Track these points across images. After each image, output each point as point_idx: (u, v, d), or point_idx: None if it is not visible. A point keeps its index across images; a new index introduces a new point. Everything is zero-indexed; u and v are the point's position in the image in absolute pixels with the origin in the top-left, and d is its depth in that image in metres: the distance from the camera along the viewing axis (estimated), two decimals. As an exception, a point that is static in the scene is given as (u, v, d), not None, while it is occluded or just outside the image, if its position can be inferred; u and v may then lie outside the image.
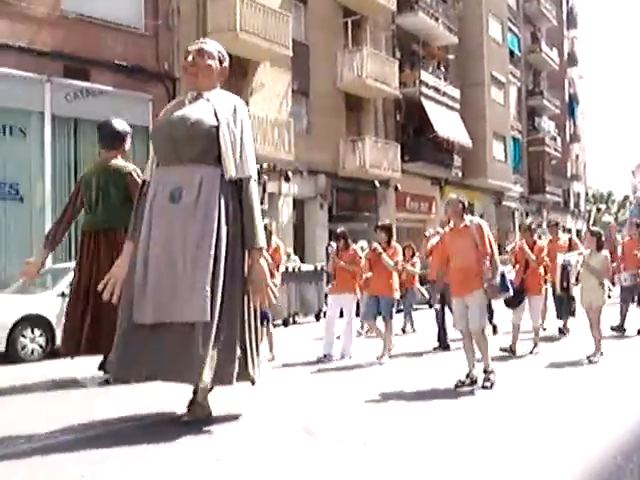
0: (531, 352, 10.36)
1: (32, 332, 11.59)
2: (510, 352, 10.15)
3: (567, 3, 56.56)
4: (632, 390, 7.48)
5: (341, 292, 10.48)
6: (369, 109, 28.60)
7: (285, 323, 16.79)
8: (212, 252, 5.37)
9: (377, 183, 27.88)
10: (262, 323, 9.73)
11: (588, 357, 9.32)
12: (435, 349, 11.16)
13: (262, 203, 22.37)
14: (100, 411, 6.55)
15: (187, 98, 5.91)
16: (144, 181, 5.96)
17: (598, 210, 48.27)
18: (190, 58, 5.87)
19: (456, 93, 33.50)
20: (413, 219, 31.18)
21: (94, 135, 18.36)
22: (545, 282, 11.16)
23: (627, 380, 8.16)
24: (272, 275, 9.55)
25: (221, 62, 6.16)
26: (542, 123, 47.15)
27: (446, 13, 33.14)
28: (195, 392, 5.67)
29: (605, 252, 9.76)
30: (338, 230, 11.10)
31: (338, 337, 10.45)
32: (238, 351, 5.50)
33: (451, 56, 34.66)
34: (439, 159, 32.01)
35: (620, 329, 12.49)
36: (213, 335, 5.30)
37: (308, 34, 25.49)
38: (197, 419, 5.57)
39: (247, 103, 21.66)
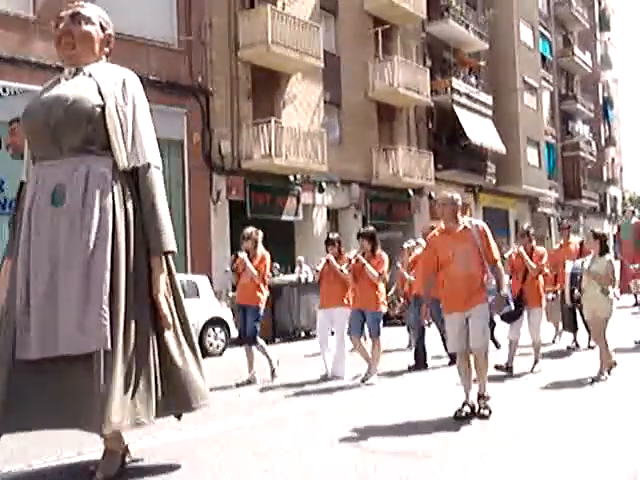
0: (532, 370, 9.35)
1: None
2: (506, 371, 9.16)
3: (599, 5, 55.96)
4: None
5: (331, 306, 9.57)
6: (401, 118, 28.55)
7: (293, 335, 16.55)
8: (108, 264, 4.31)
9: (411, 192, 27.81)
10: (248, 341, 9.52)
11: (593, 378, 8.37)
12: (410, 368, 10.16)
13: (296, 214, 22.48)
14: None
15: (63, 75, 4.78)
16: (22, 183, 4.87)
17: (623, 212, 46.98)
18: (62, 25, 4.74)
19: (488, 99, 33.31)
20: (448, 227, 30.98)
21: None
22: (545, 292, 10.05)
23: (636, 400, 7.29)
24: (257, 288, 9.41)
25: (103, 29, 5.05)
26: (576, 127, 46.69)
27: (476, 19, 33.03)
28: (106, 439, 4.47)
29: (609, 256, 8.88)
30: (331, 236, 10.31)
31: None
32: (154, 381, 4.43)
33: (482, 62, 34.46)
34: (473, 166, 31.83)
35: None
36: (119, 366, 4.24)
37: (339, 45, 25.56)
38: (107, 477, 4.38)
39: (280, 115, 21.79)
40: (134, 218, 4.53)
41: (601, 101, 53.47)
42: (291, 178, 22.36)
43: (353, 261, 9.25)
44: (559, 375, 8.98)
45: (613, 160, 57.67)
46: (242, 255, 9.40)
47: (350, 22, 26.13)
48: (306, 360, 12.18)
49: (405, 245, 11.80)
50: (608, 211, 54.34)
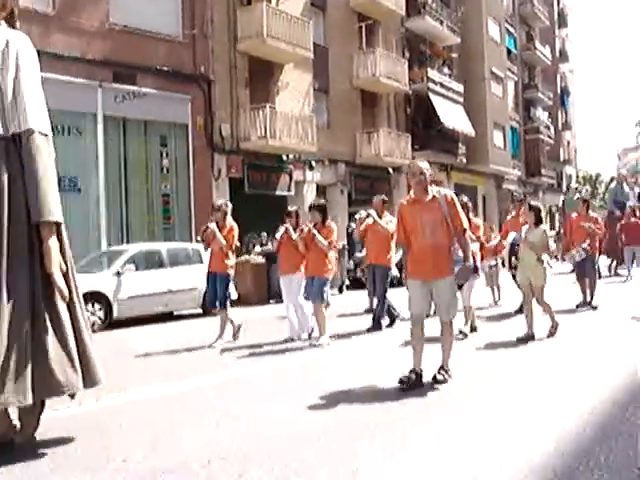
0: (460, 331, 8.60)
1: (93, 306, 11.74)
2: (472, 330, 8.94)
3: (558, 4, 55.71)
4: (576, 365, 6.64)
5: (290, 273, 9.12)
6: (382, 104, 28.42)
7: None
8: None
9: (390, 170, 27.79)
10: (221, 305, 9.11)
11: (547, 334, 8.34)
12: (369, 330, 9.79)
13: (289, 190, 22.43)
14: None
15: None
16: None
17: (568, 189, 46.48)
18: None
19: (460, 88, 33.18)
20: (423, 201, 31.02)
21: (140, 132, 18.62)
22: (481, 259, 9.59)
23: (574, 354, 7.30)
24: (226, 256, 9.01)
25: None
26: (537, 113, 46.74)
27: (450, 16, 32.82)
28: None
29: (544, 226, 8.64)
30: (290, 208, 9.71)
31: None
32: (50, 354, 3.88)
33: (455, 55, 34.32)
34: (445, 147, 31.81)
35: (585, 305, 11.31)
36: (4, 343, 3.72)
37: (327, 38, 25.32)
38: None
39: (274, 101, 21.65)
40: (16, 186, 3.90)
41: (559, 90, 53.41)
42: (284, 157, 22.28)
43: (306, 230, 8.80)
44: (498, 335, 8.72)
45: (569, 143, 57.78)
46: (212, 226, 9.04)
47: (337, 17, 25.88)
48: (276, 322, 11.55)
49: (357, 216, 10.95)
50: (564, 188, 54.47)
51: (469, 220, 8.80)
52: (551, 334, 8.42)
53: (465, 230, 6.04)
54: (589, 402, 5.18)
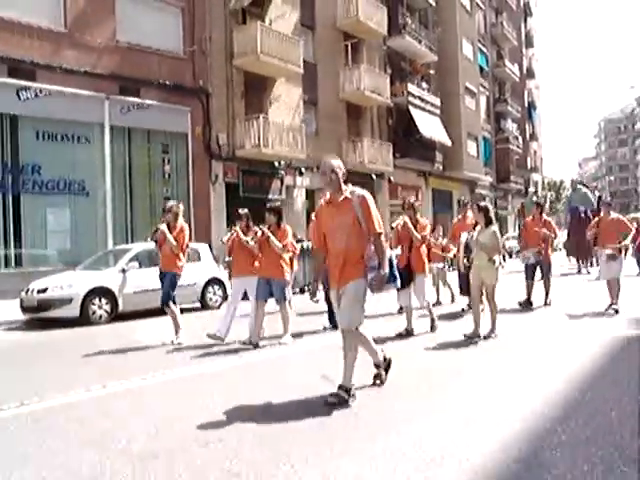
0: (432, 329, 8.44)
1: (100, 301, 11.66)
2: (408, 335, 8.17)
3: (525, 27, 55.99)
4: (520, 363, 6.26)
5: (243, 275, 8.43)
6: (366, 115, 28.41)
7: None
8: None
9: (374, 176, 27.75)
10: (166, 302, 8.43)
11: (484, 335, 7.80)
12: (325, 329, 9.03)
13: (281, 194, 22.37)
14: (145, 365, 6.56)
15: None
16: None
17: (526, 193, 46.42)
18: None
19: (437, 101, 33.23)
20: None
21: (144, 141, 18.53)
22: (429, 261, 8.98)
23: (520, 353, 6.89)
24: (176, 257, 8.38)
25: None
26: (507, 125, 46.93)
27: (428, 36, 32.88)
28: None
29: (494, 227, 8.01)
30: (241, 211, 8.88)
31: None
32: None
33: (432, 71, 34.37)
34: (424, 155, 31.83)
35: (527, 304, 11.08)
36: None
37: (316, 55, 25.27)
38: None
39: (267, 112, 21.61)
40: None
41: (526, 104, 53.67)
42: (276, 164, 22.23)
43: (259, 233, 8.16)
44: (453, 334, 8.14)
45: (535, 152, 58.10)
46: (162, 227, 8.48)
47: (325, 36, 25.84)
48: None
49: (313, 216, 10.11)
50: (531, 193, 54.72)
51: (416, 221, 8.42)
52: (489, 335, 7.88)
53: (379, 234, 5.01)
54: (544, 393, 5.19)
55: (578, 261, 20.47)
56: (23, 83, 15.31)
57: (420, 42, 31.61)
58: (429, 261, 11.22)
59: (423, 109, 31.50)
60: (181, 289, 13.20)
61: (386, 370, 5.51)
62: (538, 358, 6.64)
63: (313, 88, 24.79)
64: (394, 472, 3.53)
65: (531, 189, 53.01)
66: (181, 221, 8.60)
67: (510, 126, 47.46)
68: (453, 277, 12.40)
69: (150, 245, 14.07)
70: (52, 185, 16.05)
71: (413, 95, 30.64)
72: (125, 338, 9.28)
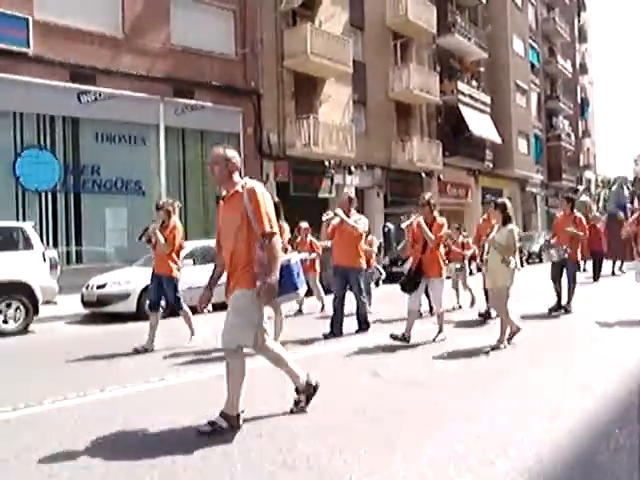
0: (434, 339, 7.58)
1: (155, 296, 11.83)
2: (402, 340, 7.43)
3: (578, 21, 54.46)
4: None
5: None
6: (415, 114, 28.18)
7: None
8: None
9: (423, 174, 27.53)
10: (177, 307, 7.99)
11: (492, 346, 6.93)
12: (326, 336, 8.26)
13: (330, 192, 22.40)
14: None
15: None
16: None
17: (576, 191, 44.80)
18: None
19: (487, 99, 32.73)
20: (453, 203, 30.68)
21: (197, 141, 18.82)
22: (446, 263, 8.14)
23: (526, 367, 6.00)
24: (169, 257, 7.80)
25: None
26: (558, 122, 45.79)
27: (477, 33, 32.37)
28: None
29: (511, 226, 7.22)
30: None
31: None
32: None
33: (482, 69, 33.85)
34: (473, 153, 31.41)
35: (557, 309, 9.91)
36: None
37: (365, 54, 25.20)
38: None
39: (317, 112, 21.67)
40: None
41: (579, 100, 52.28)
42: (326, 163, 22.26)
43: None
44: (462, 343, 7.35)
45: (588, 149, 56.50)
46: (152, 225, 7.91)
47: (374, 36, 25.74)
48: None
49: (324, 218, 8.73)
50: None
51: (432, 220, 7.59)
52: (496, 347, 6.95)
53: (270, 234, 4.17)
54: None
55: (614, 262, 19.36)
56: (84, 87, 15.75)
57: (470, 40, 31.16)
58: (448, 261, 10.32)
59: (473, 107, 31.06)
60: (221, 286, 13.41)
61: (309, 397, 4.66)
62: (582, 360, 6.48)
63: (362, 87, 24.72)
64: (446, 470, 3.50)
65: (581, 187, 51.68)
66: (174, 219, 7.94)
67: (562, 123, 46.31)
68: (477, 281, 11.33)
69: (204, 243, 14.31)
70: (110, 185, 16.47)
71: (463, 93, 30.25)
72: (176, 333, 9.43)
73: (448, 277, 11.17)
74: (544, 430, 4.09)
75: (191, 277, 12.41)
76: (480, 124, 31.15)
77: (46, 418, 4.76)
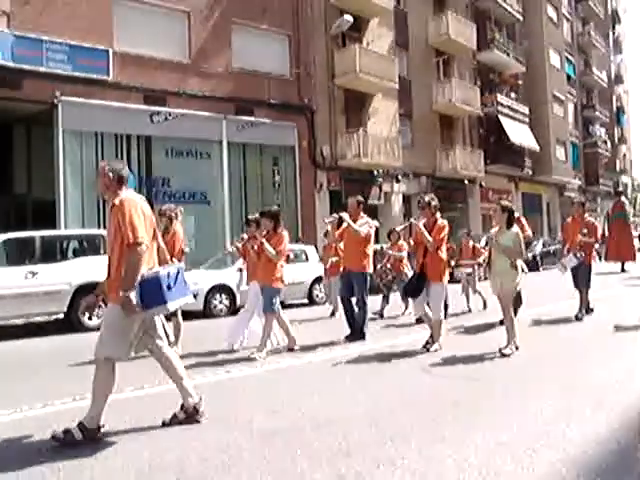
0: (427, 349, 6.74)
1: (220, 296, 12.06)
2: (433, 346, 6.74)
3: (613, 34, 52.73)
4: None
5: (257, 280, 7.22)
6: (458, 125, 27.80)
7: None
8: None
9: (466, 181, 27.12)
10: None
11: (500, 350, 6.33)
12: (348, 338, 7.70)
13: (379, 199, 22.30)
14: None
15: None
16: None
17: (618, 193, 42.55)
18: None
19: (525, 110, 32.02)
20: (494, 208, 30.12)
21: (257, 154, 19.02)
22: (449, 267, 7.50)
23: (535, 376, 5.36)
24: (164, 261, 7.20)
25: None
26: (595, 130, 44.38)
27: (515, 48, 31.74)
28: None
29: (516, 229, 6.65)
30: (250, 216, 7.85)
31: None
32: None
33: (520, 81, 33.14)
34: (513, 161, 30.73)
35: (587, 312, 9.05)
36: None
37: (410, 71, 25.00)
38: None
39: (366, 125, 21.63)
40: None
41: (615, 109, 50.57)
42: (375, 172, 22.16)
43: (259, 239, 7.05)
44: (462, 350, 6.68)
45: (624, 155, 54.62)
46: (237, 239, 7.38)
47: (418, 54, 25.52)
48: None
49: (326, 220, 8.19)
50: (621, 194, 51.41)
51: (433, 223, 6.83)
52: (504, 353, 6.28)
53: (132, 244, 3.80)
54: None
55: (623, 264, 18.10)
56: (155, 108, 16.15)
57: (508, 55, 30.57)
58: (457, 267, 9.91)
59: (512, 117, 30.44)
60: (290, 287, 13.51)
61: (188, 417, 4.16)
62: (624, 357, 6.23)
63: (408, 102, 24.54)
64: (491, 459, 3.40)
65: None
66: (176, 226, 7.31)
67: (598, 130, 44.83)
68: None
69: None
70: (179, 195, 16.80)
71: (502, 105, 29.70)
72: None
73: (458, 281, 10.90)
74: (586, 423, 3.95)
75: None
76: (519, 133, 30.51)
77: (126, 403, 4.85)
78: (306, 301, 13.73)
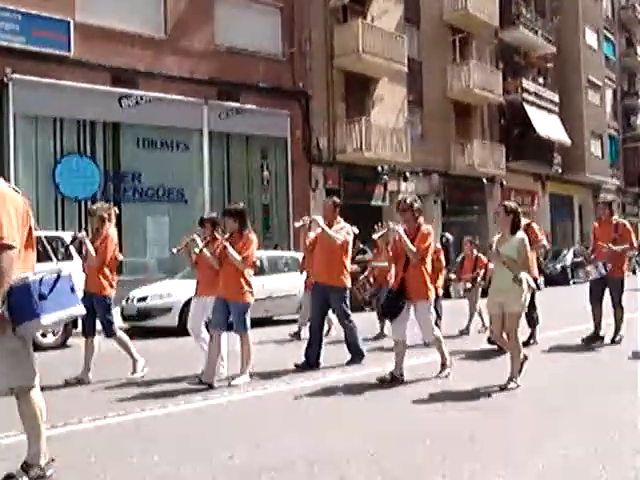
0: (441, 371, 6.82)
1: (198, 310, 12.06)
2: (391, 382, 6.52)
3: (660, 9, 53.04)
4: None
5: (204, 294, 7.14)
6: (476, 115, 28.00)
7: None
8: None
9: (484, 180, 27.31)
10: (107, 333, 7.25)
11: (500, 386, 6.14)
12: (298, 366, 7.54)
13: (384, 200, 22.43)
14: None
15: None
16: None
17: None
18: None
19: (555, 97, 32.27)
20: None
21: (242, 146, 19.13)
22: (434, 282, 7.31)
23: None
24: (100, 273, 7.06)
25: None
26: (637, 121, 44.57)
27: (545, 26, 31.99)
28: None
29: (522, 234, 6.38)
30: (205, 216, 7.84)
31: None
32: None
33: (550, 64, 33.38)
34: (540, 157, 30.91)
35: (593, 340, 8.81)
36: None
37: (421, 52, 25.21)
38: None
39: (369, 114, 21.78)
40: None
41: (661, 96, 50.79)
42: (379, 169, 22.31)
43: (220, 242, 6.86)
44: (468, 379, 6.58)
45: (672, 151, 54.74)
46: (80, 235, 7.28)
47: (430, 31, 25.73)
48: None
49: (296, 225, 7.98)
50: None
51: (416, 229, 6.65)
52: (506, 386, 6.16)
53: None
54: None
55: None
56: (124, 91, 16.26)
57: (536, 33, 30.80)
58: (458, 280, 10.06)
59: (539, 106, 30.66)
60: (279, 300, 13.61)
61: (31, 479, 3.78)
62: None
63: (418, 87, 24.72)
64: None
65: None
66: (108, 228, 7.25)
67: (641, 122, 45.13)
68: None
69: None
70: (152, 193, 16.90)
71: (528, 91, 29.91)
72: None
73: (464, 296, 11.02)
74: (626, 468, 3.98)
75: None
76: (547, 125, 30.71)
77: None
78: (297, 316, 13.79)
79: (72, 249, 7.70)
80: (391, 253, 6.82)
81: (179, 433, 4.97)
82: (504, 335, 6.35)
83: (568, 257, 24.82)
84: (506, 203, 6.65)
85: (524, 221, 7.54)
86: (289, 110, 19.75)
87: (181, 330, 11.68)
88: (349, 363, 7.69)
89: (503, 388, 6.13)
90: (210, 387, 6.54)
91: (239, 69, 18.30)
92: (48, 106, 15.10)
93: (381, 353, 8.45)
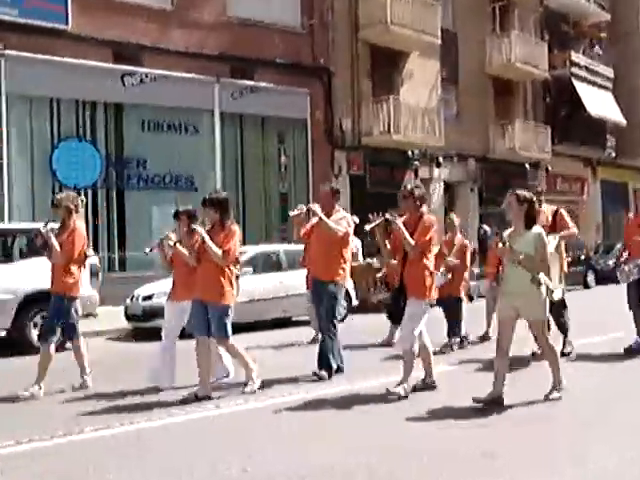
0: (421, 385, 6.69)
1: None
2: (427, 387, 6.58)
3: None
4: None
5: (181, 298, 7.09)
6: (518, 92, 27.86)
7: None
8: None
9: (527, 165, 27.17)
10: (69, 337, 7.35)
11: (546, 395, 6.08)
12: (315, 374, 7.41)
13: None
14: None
15: None
16: None
17: None
18: None
19: (609, 72, 31.94)
20: (563, 200, 29.87)
21: (258, 129, 19.21)
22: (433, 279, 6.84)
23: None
24: (65, 271, 6.99)
25: None
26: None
27: (597, -10, 31.69)
28: None
29: (539, 229, 6.10)
30: (181, 208, 7.64)
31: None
32: None
33: (603, 34, 33.02)
34: (591, 139, 30.67)
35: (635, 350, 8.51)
36: None
37: (456, 22, 25.09)
38: None
39: (398, 92, 21.77)
40: None
41: None
42: (409, 153, 22.29)
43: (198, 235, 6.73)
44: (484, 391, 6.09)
45: None
46: (44, 229, 7.09)
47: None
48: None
49: (290, 214, 7.78)
50: None
51: (418, 219, 6.55)
52: (549, 396, 6.12)
53: None
54: None
55: None
56: (128, 68, 16.42)
57: (587, -1, 30.54)
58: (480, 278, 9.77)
59: (591, 82, 30.39)
60: (298, 298, 13.66)
61: None
62: None
63: (453, 62, 24.66)
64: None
65: None
66: (75, 220, 7.20)
67: None
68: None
69: (265, 247, 14.63)
70: (158, 180, 17.09)
71: (578, 65, 29.67)
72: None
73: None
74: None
75: (249, 288, 12.76)
76: (600, 103, 30.42)
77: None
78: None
79: (37, 242, 7.49)
80: (389, 246, 6.69)
81: (161, 448, 5.08)
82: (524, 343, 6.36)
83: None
84: (518, 192, 6.22)
85: (552, 207, 7.63)
86: (309, 88, 19.79)
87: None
88: (315, 374, 7.37)
89: (546, 398, 6.07)
90: (208, 398, 6.52)
91: (253, 43, 18.35)
92: (44, 85, 15.24)
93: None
